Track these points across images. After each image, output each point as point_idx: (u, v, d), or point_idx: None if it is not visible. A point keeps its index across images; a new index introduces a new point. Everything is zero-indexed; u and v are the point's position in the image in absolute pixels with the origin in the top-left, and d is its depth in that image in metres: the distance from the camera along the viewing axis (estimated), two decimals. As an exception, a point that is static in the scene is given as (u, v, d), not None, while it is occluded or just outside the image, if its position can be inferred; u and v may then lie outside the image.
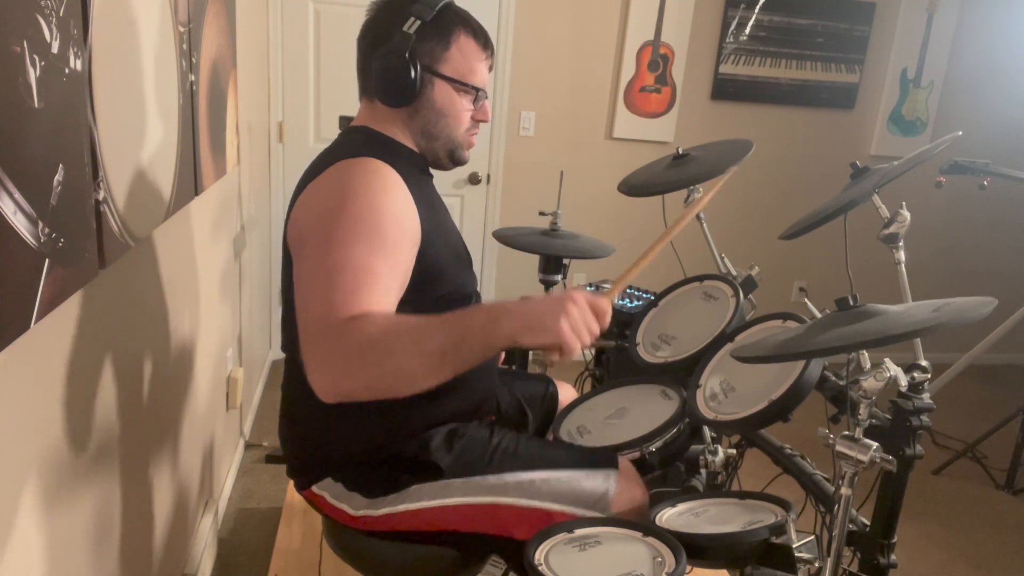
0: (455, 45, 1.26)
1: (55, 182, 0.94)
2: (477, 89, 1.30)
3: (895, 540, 1.33)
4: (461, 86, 1.28)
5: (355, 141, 1.30)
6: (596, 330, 1.05)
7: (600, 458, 1.35)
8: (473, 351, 1.01)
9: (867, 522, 1.36)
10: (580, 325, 1.02)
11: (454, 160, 1.36)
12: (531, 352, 2.17)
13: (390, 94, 1.25)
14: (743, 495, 1.34)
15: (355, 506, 1.31)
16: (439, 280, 1.26)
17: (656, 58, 3.76)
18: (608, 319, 1.08)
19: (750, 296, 1.76)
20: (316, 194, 1.18)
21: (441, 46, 1.25)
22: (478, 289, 1.43)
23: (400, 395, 1.01)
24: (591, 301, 1.05)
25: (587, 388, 2.04)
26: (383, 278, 1.09)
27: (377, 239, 1.10)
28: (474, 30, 1.29)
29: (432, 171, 1.38)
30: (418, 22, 1.22)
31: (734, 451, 1.57)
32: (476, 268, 3.98)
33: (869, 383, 1.08)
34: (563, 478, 1.30)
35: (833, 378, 1.44)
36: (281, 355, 1.37)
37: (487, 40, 1.31)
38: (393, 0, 1.28)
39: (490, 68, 1.34)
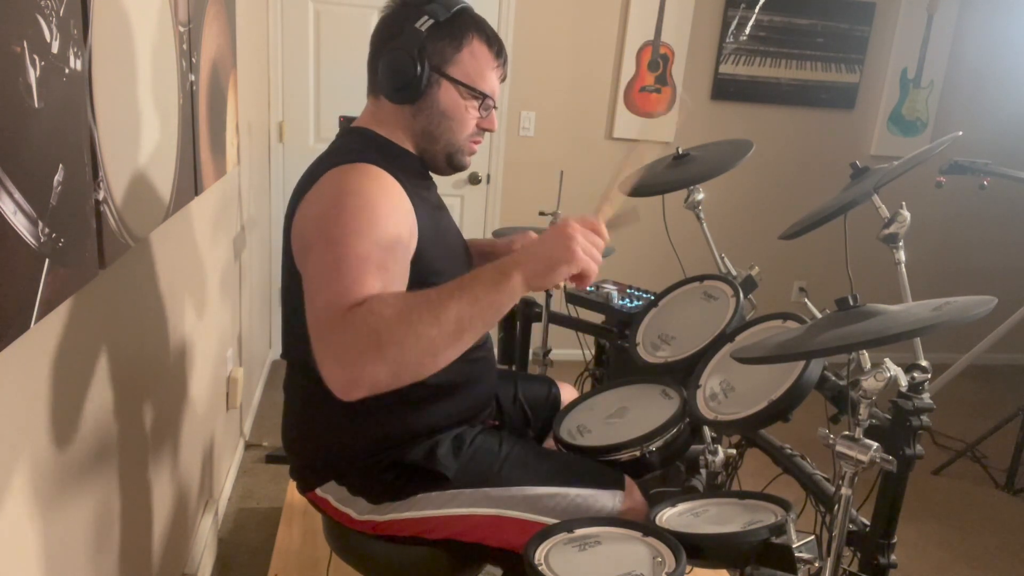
0: (467, 48, 1.25)
1: (55, 182, 0.94)
2: (485, 95, 1.29)
3: (895, 540, 1.33)
4: (468, 90, 1.26)
5: (352, 145, 1.29)
6: (602, 246, 1.07)
7: (609, 478, 1.35)
8: (490, 309, 1.02)
9: (867, 522, 1.36)
10: (589, 247, 1.05)
11: (452, 165, 1.34)
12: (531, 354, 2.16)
13: (395, 90, 1.25)
14: (743, 495, 1.34)
15: (360, 511, 1.30)
16: (438, 280, 1.25)
17: (656, 58, 3.76)
18: (606, 234, 1.09)
19: (750, 296, 1.76)
20: (313, 201, 1.18)
21: (452, 48, 1.24)
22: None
23: (425, 374, 0.99)
24: (585, 221, 1.07)
25: (587, 388, 2.04)
26: (387, 265, 1.08)
27: (376, 230, 1.09)
28: (488, 36, 1.28)
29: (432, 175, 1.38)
30: (431, 21, 1.21)
31: (734, 451, 1.57)
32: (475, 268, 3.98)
33: (869, 383, 1.07)
34: (571, 495, 1.30)
35: (833, 378, 1.44)
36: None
37: (500, 48, 1.30)
38: None
39: (502, 79, 1.32)
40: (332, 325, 0.99)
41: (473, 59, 1.26)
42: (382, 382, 0.97)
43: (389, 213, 1.15)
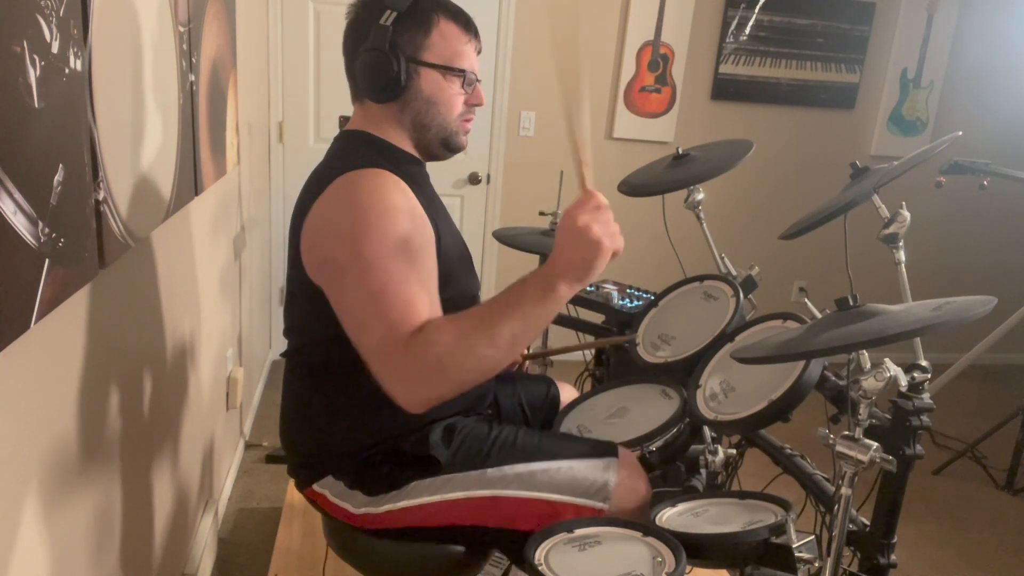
0: (436, 31, 1.24)
1: (55, 182, 0.94)
2: (465, 72, 1.28)
3: (895, 540, 1.33)
4: (447, 71, 1.26)
5: (353, 148, 1.28)
6: (610, 215, 1.07)
7: (600, 448, 1.35)
8: (541, 321, 1.11)
9: (867, 522, 1.36)
10: (604, 225, 1.06)
11: (449, 147, 1.33)
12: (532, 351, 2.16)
13: (377, 90, 1.24)
14: (743, 495, 1.34)
15: (356, 504, 1.31)
16: (448, 284, 1.26)
17: (656, 58, 3.76)
18: (603, 198, 1.08)
19: (750, 296, 1.76)
20: (330, 214, 1.17)
21: (421, 34, 1.23)
22: (480, 292, 1.43)
23: (485, 380, 1.14)
24: (582, 203, 1.07)
25: (587, 388, 2.04)
26: (426, 285, 1.16)
27: (407, 251, 1.14)
28: (453, 14, 1.27)
29: (430, 167, 1.37)
30: (394, 14, 1.21)
31: (734, 451, 1.57)
32: (476, 268, 3.99)
33: (869, 383, 1.07)
34: (563, 468, 1.30)
35: (833, 378, 1.44)
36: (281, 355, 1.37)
37: (468, 22, 1.29)
38: None
39: (478, 51, 1.32)
40: (395, 356, 1.08)
41: (444, 39, 1.25)
42: (447, 396, 1.10)
43: (413, 228, 1.16)
